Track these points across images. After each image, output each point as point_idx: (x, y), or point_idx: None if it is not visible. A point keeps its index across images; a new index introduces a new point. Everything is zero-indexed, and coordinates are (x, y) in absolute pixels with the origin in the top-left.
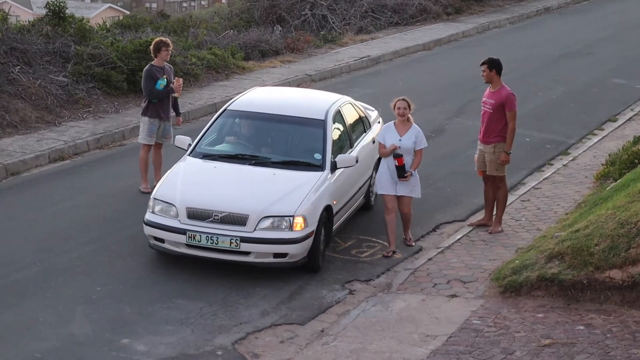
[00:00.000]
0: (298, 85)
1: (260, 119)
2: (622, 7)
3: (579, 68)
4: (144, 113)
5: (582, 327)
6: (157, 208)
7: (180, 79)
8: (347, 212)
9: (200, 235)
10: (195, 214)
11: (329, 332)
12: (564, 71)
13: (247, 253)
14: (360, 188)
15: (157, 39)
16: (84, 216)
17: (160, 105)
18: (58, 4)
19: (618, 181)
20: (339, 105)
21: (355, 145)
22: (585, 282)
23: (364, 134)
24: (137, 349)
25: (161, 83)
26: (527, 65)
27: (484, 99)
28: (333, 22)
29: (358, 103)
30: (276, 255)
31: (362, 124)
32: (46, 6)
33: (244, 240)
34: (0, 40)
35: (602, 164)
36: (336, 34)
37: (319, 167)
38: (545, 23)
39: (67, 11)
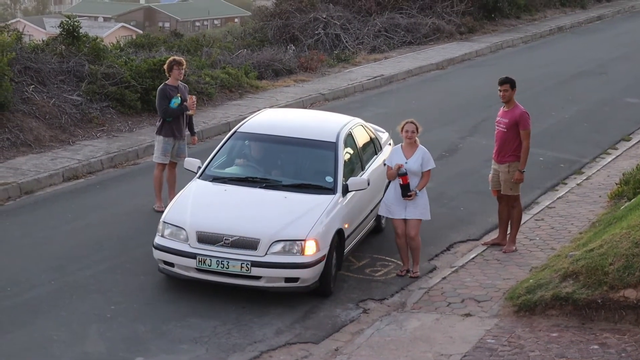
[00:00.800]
0: (311, 105)
1: (270, 141)
2: (634, 26)
3: (592, 87)
4: (159, 132)
5: (596, 347)
6: (166, 232)
7: (194, 97)
8: (358, 235)
9: (211, 260)
10: (205, 238)
11: (343, 351)
12: (577, 90)
13: (257, 277)
14: (371, 211)
15: (171, 58)
16: (98, 235)
17: (174, 124)
18: (72, 23)
19: (632, 200)
20: (350, 127)
21: (366, 167)
22: (599, 301)
23: (375, 156)
24: None
25: (175, 102)
26: (540, 84)
27: (498, 118)
28: (346, 42)
29: (369, 125)
30: (287, 279)
31: (373, 146)
32: (60, 25)
33: (255, 264)
34: (14, 59)
35: (616, 183)
36: (349, 53)
37: (331, 190)
38: (558, 42)
39: (81, 31)
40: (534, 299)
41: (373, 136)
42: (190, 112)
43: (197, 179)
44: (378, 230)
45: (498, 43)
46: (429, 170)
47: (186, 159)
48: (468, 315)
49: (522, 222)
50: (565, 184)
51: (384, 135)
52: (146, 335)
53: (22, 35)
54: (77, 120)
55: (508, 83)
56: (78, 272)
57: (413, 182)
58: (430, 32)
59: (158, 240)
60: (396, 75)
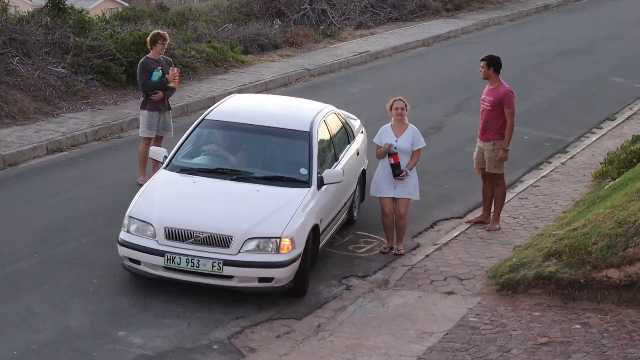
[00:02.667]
0: (296, 80)
1: (240, 130)
2: (621, 5)
3: (578, 66)
4: (143, 106)
5: (578, 326)
6: (132, 227)
7: (176, 69)
8: (331, 230)
9: (180, 258)
10: (174, 234)
11: (326, 328)
12: (562, 69)
13: (229, 277)
14: (345, 204)
15: (155, 31)
16: (81, 208)
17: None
18: None
19: (616, 180)
20: (324, 116)
21: (340, 158)
22: (582, 281)
23: (348, 145)
24: (134, 342)
25: (156, 74)
26: (526, 62)
27: (482, 96)
28: (332, 17)
29: (341, 112)
30: (261, 279)
31: (346, 135)
32: None
33: (227, 263)
34: None
35: (601, 163)
36: (335, 28)
37: (305, 183)
38: (545, 21)
39: (67, 2)
40: (516, 278)
41: (346, 125)
42: (171, 85)
43: (164, 170)
44: (350, 222)
45: (484, 20)
46: (419, 149)
47: (151, 148)
48: (451, 293)
49: (506, 200)
50: (550, 162)
51: (356, 123)
52: (129, 310)
53: (8, 7)
54: (62, 92)
55: (485, 60)
56: (61, 246)
57: (403, 161)
58: (416, 9)
59: (123, 235)
60: (382, 52)
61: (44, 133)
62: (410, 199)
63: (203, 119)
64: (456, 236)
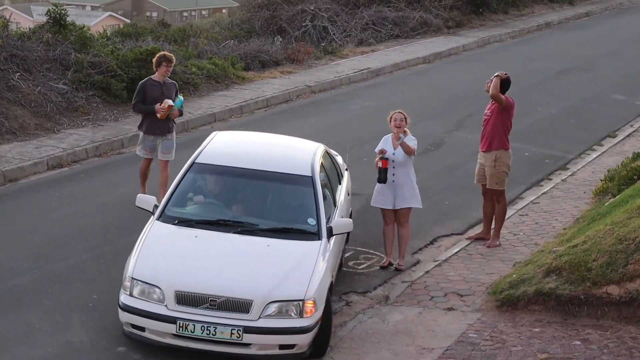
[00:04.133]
0: (297, 97)
1: (235, 175)
2: (621, 23)
3: (579, 83)
4: (139, 127)
5: (578, 342)
6: (136, 290)
7: (167, 103)
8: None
9: (194, 325)
10: (186, 299)
11: None
12: (563, 86)
13: (247, 345)
14: (341, 251)
15: (161, 53)
16: (82, 224)
17: (153, 120)
18: (59, 11)
19: (617, 197)
20: (320, 157)
21: (337, 202)
22: (582, 297)
23: (340, 186)
24: (133, 357)
25: (178, 101)
26: (527, 80)
27: (485, 111)
28: (334, 34)
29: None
30: (283, 346)
31: (337, 175)
32: (47, 13)
33: (248, 330)
34: (0, 46)
35: (601, 180)
36: (337, 45)
37: (315, 235)
38: (546, 38)
39: (68, 19)
40: (516, 294)
41: (335, 163)
42: (158, 115)
43: (157, 221)
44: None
45: (485, 38)
46: (413, 147)
47: (139, 195)
48: (451, 309)
49: (506, 217)
50: (550, 179)
51: (339, 159)
52: None
53: (9, 23)
54: (63, 108)
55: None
56: (61, 261)
57: (399, 172)
58: (417, 26)
59: (125, 299)
60: (383, 69)
61: (45, 149)
62: (411, 207)
63: (193, 163)
64: (456, 252)
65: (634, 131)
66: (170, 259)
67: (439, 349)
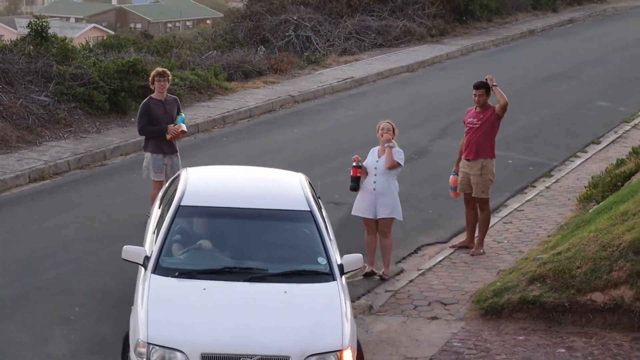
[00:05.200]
0: (281, 107)
1: (229, 216)
2: (605, 30)
3: (563, 90)
4: (145, 148)
5: (563, 350)
6: (155, 356)
7: (180, 127)
8: None
9: None
10: None
11: None
12: (547, 94)
13: None
14: None
15: (155, 70)
16: (63, 236)
17: (161, 139)
18: (41, 23)
19: (601, 204)
20: (308, 188)
21: (331, 235)
22: (567, 304)
23: (325, 217)
24: None
25: (179, 119)
26: (511, 87)
27: (468, 119)
28: (317, 44)
29: None
30: None
31: (320, 205)
32: (29, 25)
33: None
34: None
35: (585, 187)
36: (320, 55)
37: (329, 276)
38: (529, 45)
39: (51, 31)
40: (500, 302)
41: (315, 193)
42: (168, 137)
43: (154, 275)
44: None
45: (469, 46)
46: (395, 159)
47: (125, 247)
48: (434, 318)
49: (490, 225)
50: (534, 187)
51: None
52: (110, 338)
53: None
54: (45, 121)
55: (484, 88)
56: (43, 274)
57: (380, 181)
58: (401, 35)
59: None
60: (366, 78)
61: (27, 161)
62: (392, 218)
63: (178, 207)
64: (440, 261)
65: (618, 137)
66: (186, 317)
67: (423, 359)
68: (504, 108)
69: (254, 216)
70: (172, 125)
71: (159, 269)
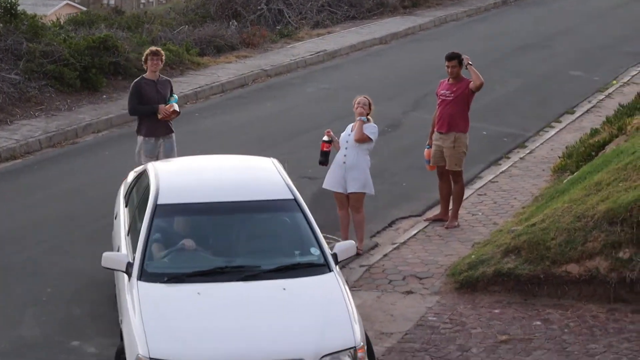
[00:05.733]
0: (253, 81)
1: (210, 212)
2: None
3: (536, 60)
4: (138, 131)
5: (539, 323)
6: None
7: (172, 107)
8: None
9: None
10: None
11: None
12: (521, 64)
13: None
14: None
15: (148, 49)
16: (35, 216)
17: (152, 120)
18: (9, 0)
19: (574, 174)
20: (285, 173)
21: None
22: (542, 276)
23: None
24: (87, 351)
25: (172, 100)
26: (484, 58)
27: (441, 91)
28: (289, 17)
29: None
30: None
31: None
32: None
33: None
34: None
35: (559, 157)
36: (292, 28)
37: (325, 267)
38: (503, 15)
39: (24, 8)
40: (475, 275)
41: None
42: (159, 116)
43: (142, 282)
44: None
45: (442, 17)
46: (366, 133)
47: (105, 254)
48: (409, 292)
49: (464, 197)
50: (509, 158)
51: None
52: (83, 319)
53: None
54: (15, 99)
55: (456, 59)
56: (14, 255)
57: (350, 154)
58: (374, 7)
59: None
60: (339, 50)
61: None
62: (363, 193)
63: (155, 206)
64: (415, 235)
65: (592, 107)
66: (186, 326)
67: (398, 334)
68: (478, 88)
69: (237, 210)
70: (163, 105)
71: (145, 276)
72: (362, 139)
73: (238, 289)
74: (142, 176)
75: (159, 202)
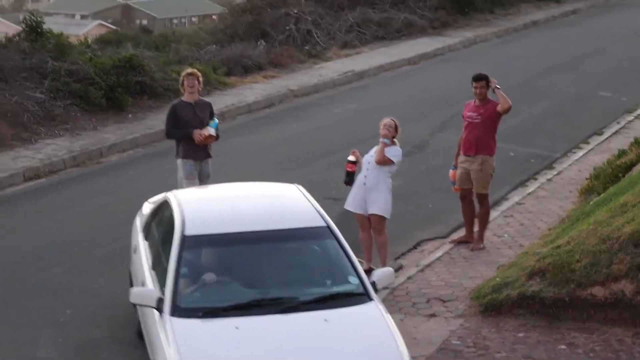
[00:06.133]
0: (280, 102)
1: (241, 242)
2: (609, 20)
3: (565, 81)
4: (176, 154)
5: (564, 347)
6: None
7: (209, 132)
8: None
9: None
10: None
11: None
12: (550, 84)
13: None
14: None
15: (184, 71)
16: (56, 236)
17: (190, 143)
18: (35, 19)
19: (601, 195)
20: (313, 199)
21: None
22: (567, 299)
23: None
24: None
25: (212, 125)
26: (513, 79)
27: (467, 114)
28: (318, 37)
29: None
30: None
31: None
32: (22, 21)
33: None
34: None
35: (587, 178)
36: (321, 48)
37: (365, 296)
38: (532, 36)
39: (56, 28)
40: (500, 298)
41: None
42: (195, 140)
43: (175, 319)
44: None
45: (471, 38)
46: (388, 156)
47: (133, 289)
48: (433, 315)
49: (490, 218)
50: (536, 179)
51: None
52: (102, 341)
53: None
54: (40, 118)
55: (484, 80)
56: (34, 275)
57: (371, 176)
58: (402, 27)
59: None
60: (367, 71)
61: (21, 160)
62: (383, 216)
63: (183, 238)
64: (439, 257)
65: (620, 128)
66: None
67: (420, 358)
68: (506, 111)
69: (268, 239)
70: (198, 129)
71: (178, 311)
72: (383, 161)
73: (278, 322)
74: (162, 207)
75: (187, 233)
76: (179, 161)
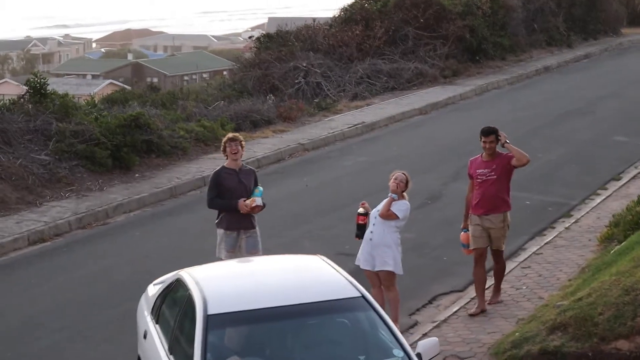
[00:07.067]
0: (290, 156)
1: (271, 318)
2: (621, 63)
3: (580, 127)
4: (219, 224)
5: None
6: None
7: (255, 202)
8: None
9: None
10: None
11: None
12: (564, 131)
13: None
14: None
15: (225, 136)
16: (59, 301)
17: (235, 214)
18: (39, 80)
19: (622, 244)
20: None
21: None
22: (590, 354)
23: None
24: None
25: (256, 193)
26: (526, 125)
27: (478, 171)
28: (327, 89)
29: None
30: None
31: None
32: (26, 83)
33: None
34: None
35: (606, 226)
36: (331, 101)
37: None
38: (545, 82)
39: (68, 88)
40: (520, 354)
41: None
42: (241, 211)
43: None
44: None
45: (483, 85)
46: (393, 211)
47: None
48: None
49: (508, 270)
50: (554, 228)
51: None
52: None
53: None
54: (45, 180)
55: (493, 134)
56: (35, 342)
57: (377, 231)
58: (413, 77)
59: None
60: (378, 122)
61: (26, 223)
62: (392, 272)
63: (206, 317)
64: (456, 312)
65: (638, 173)
66: None
67: None
68: (524, 165)
69: (301, 313)
70: (243, 199)
71: None
72: (387, 216)
73: None
74: (175, 287)
75: (210, 312)
76: (221, 231)
